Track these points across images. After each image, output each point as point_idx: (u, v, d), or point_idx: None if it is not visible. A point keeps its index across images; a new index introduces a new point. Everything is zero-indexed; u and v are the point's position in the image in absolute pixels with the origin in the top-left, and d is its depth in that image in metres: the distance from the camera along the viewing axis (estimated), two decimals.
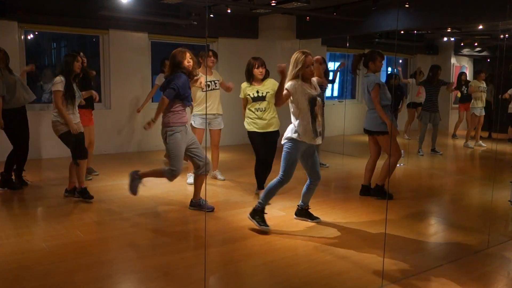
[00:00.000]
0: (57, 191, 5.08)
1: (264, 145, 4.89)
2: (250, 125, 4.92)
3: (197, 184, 4.60)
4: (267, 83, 4.90)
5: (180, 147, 4.32)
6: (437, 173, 6.98)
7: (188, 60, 4.34)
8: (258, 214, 4.09)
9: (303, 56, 3.85)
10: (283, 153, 3.98)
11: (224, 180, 5.91)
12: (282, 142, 4.02)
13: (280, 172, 4.00)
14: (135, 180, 4.46)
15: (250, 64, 4.87)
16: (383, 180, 5.08)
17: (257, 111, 4.86)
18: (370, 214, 4.64)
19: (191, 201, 4.67)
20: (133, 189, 4.47)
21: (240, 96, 5.02)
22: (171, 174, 4.34)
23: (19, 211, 4.49)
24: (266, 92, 4.83)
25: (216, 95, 5.73)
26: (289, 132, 3.96)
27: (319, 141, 4.00)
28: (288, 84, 3.85)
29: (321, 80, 4.13)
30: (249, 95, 4.86)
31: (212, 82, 5.66)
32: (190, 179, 5.70)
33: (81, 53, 5.92)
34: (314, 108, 3.87)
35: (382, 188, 5.09)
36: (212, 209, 4.59)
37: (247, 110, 4.96)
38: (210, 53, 5.76)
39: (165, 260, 3.42)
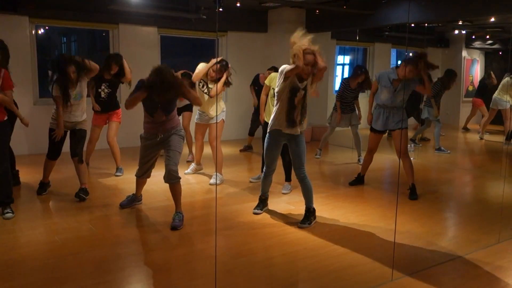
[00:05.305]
0: (69, 186, 5.13)
1: None
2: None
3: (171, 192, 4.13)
4: None
5: (142, 151, 4.24)
6: (447, 168, 6.94)
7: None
8: (259, 201, 4.44)
9: (306, 54, 3.72)
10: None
11: (221, 183, 5.41)
12: None
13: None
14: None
15: None
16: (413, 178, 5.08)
17: None
18: (380, 208, 4.63)
19: None
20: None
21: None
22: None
23: (32, 204, 4.55)
24: None
25: (211, 100, 5.37)
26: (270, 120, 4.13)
27: (294, 131, 4.00)
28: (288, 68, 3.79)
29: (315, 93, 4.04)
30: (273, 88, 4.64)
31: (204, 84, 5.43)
32: (188, 170, 5.92)
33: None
34: (294, 98, 3.89)
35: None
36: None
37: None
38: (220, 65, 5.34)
39: (176, 253, 3.46)
